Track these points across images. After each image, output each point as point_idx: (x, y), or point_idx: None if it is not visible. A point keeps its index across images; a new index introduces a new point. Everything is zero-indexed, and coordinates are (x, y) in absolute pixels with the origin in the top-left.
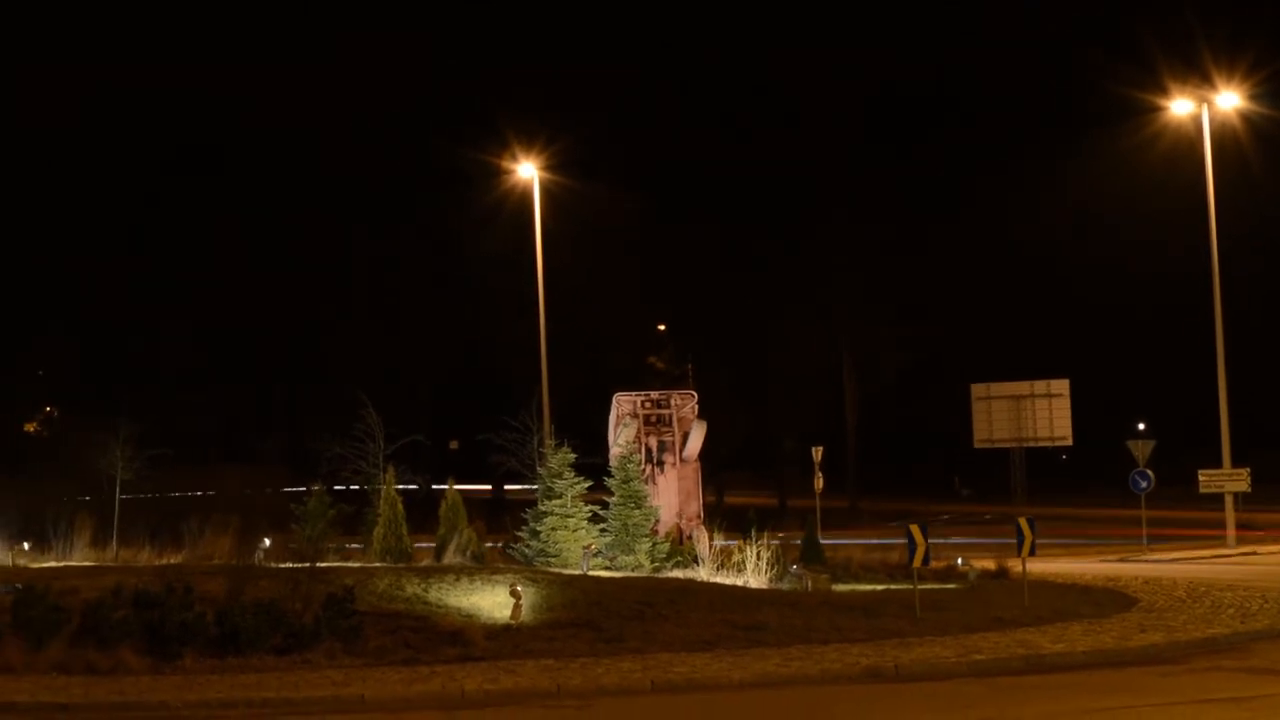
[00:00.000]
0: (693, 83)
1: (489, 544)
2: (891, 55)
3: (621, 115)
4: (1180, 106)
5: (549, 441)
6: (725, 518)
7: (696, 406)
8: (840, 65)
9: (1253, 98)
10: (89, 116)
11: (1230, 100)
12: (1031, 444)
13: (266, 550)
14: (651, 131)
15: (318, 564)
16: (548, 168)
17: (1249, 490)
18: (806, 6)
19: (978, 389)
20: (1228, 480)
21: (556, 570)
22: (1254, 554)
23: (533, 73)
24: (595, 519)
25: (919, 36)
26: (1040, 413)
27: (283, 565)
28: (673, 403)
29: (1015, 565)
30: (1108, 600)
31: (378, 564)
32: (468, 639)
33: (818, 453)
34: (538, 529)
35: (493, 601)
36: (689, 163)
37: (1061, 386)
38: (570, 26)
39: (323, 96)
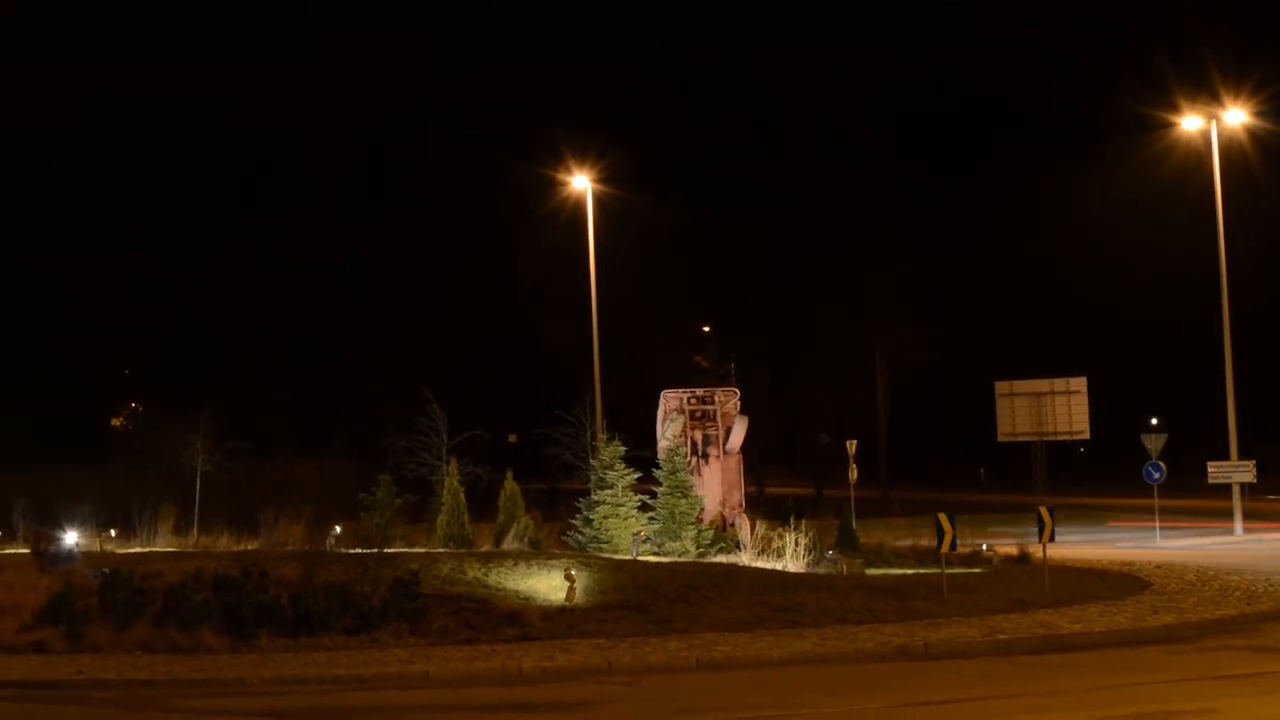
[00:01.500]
0: (737, 101)
1: (545, 531)
2: (924, 77)
3: (669, 129)
4: (1190, 123)
5: (601, 436)
6: (765, 506)
7: (739, 403)
8: (877, 84)
9: (1258, 115)
10: (159, 121)
11: (1237, 117)
12: (1051, 438)
13: (337, 537)
14: (696, 144)
15: (385, 550)
16: (600, 179)
17: (1255, 481)
18: (845, 29)
19: (1001, 386)
20: (1235, 471)
21: (608, 555)
22: (1259, 541)
23: (586, 90)
24: (644, 507)
25: (950, 59)
26: (1060, 409)
27: (352, 551)
28: (717, 399)
29: (1036, 551)
30: (1123, 583)
31: (441, 550)
32: (525, 620)
33: (852, 446)
34: (590, 517)
35: (548, 585)
36: (732, 174)
37: (1080, 384)
38: (622, 44)
39: (398, 106)
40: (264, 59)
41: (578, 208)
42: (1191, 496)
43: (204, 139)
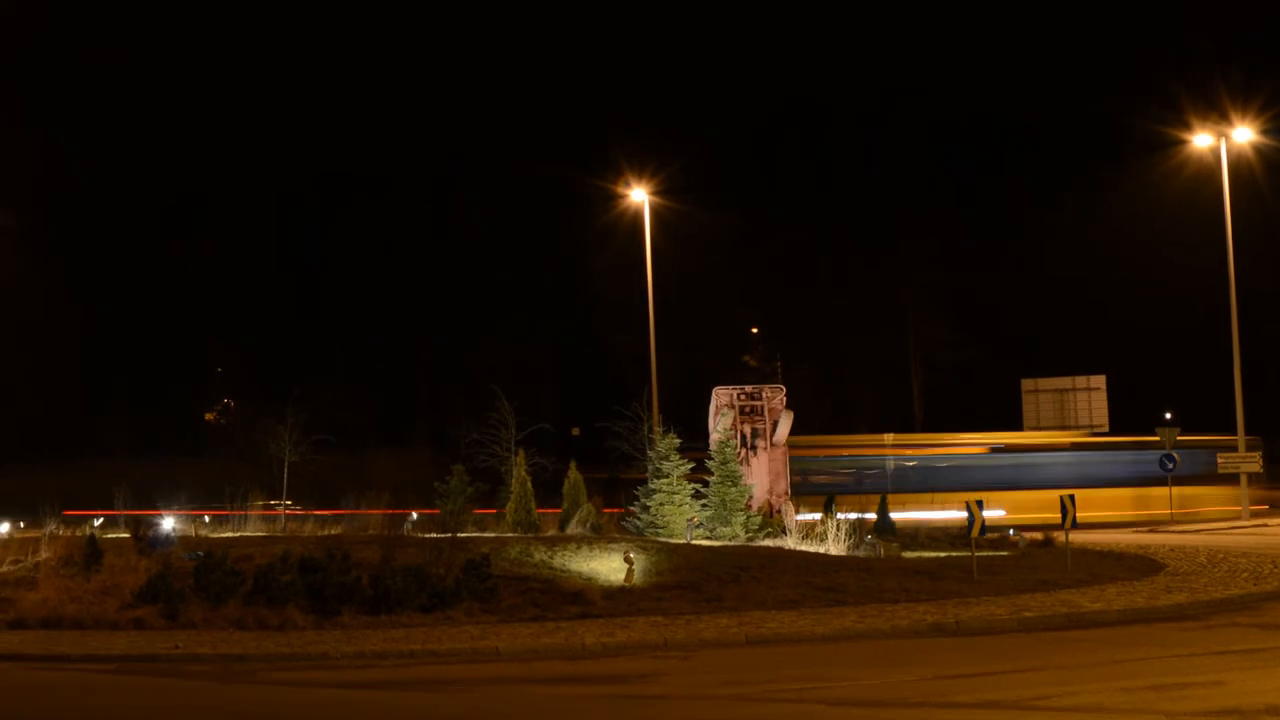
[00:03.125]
0: (784, 117)
1: (605, 517)
2: (955, 98)
3: (720, 144)
4: (1201, 140)
5: (657, 429)
6: (809, 494)
7: (785, 398)
8: (914, 105)
9: (1265, 133)
10: (237, 136)
11: (1245, 135)
12: (1073, 430)
13: (414, 523)
14: (745, 158)
15: (458, 534)
16: (656, 192)
17: (1261, 471)
18: (887, 56)
19: (1027, 383)
20: (1243, 462)
21: (664, 540)
22: (1265, 526)
23: (644, 107)
24: (697, 495)
25: (980, 83)
26: (1081, 404)
27: (428, 535)
28: (764, 395)
29: (1059, 535)
30: (1139, 565)
31: (510, 534)
32: (587, 599)
33: (888, 438)
34: (648, 504)
35: (609, 566)
36: (778, 185)
37: (1099, 381)
38: (675, 67)
39: (467, 123)
40: (344, 79)
41: (636, 218)
42: (1202, 485)
43: (292, 148)
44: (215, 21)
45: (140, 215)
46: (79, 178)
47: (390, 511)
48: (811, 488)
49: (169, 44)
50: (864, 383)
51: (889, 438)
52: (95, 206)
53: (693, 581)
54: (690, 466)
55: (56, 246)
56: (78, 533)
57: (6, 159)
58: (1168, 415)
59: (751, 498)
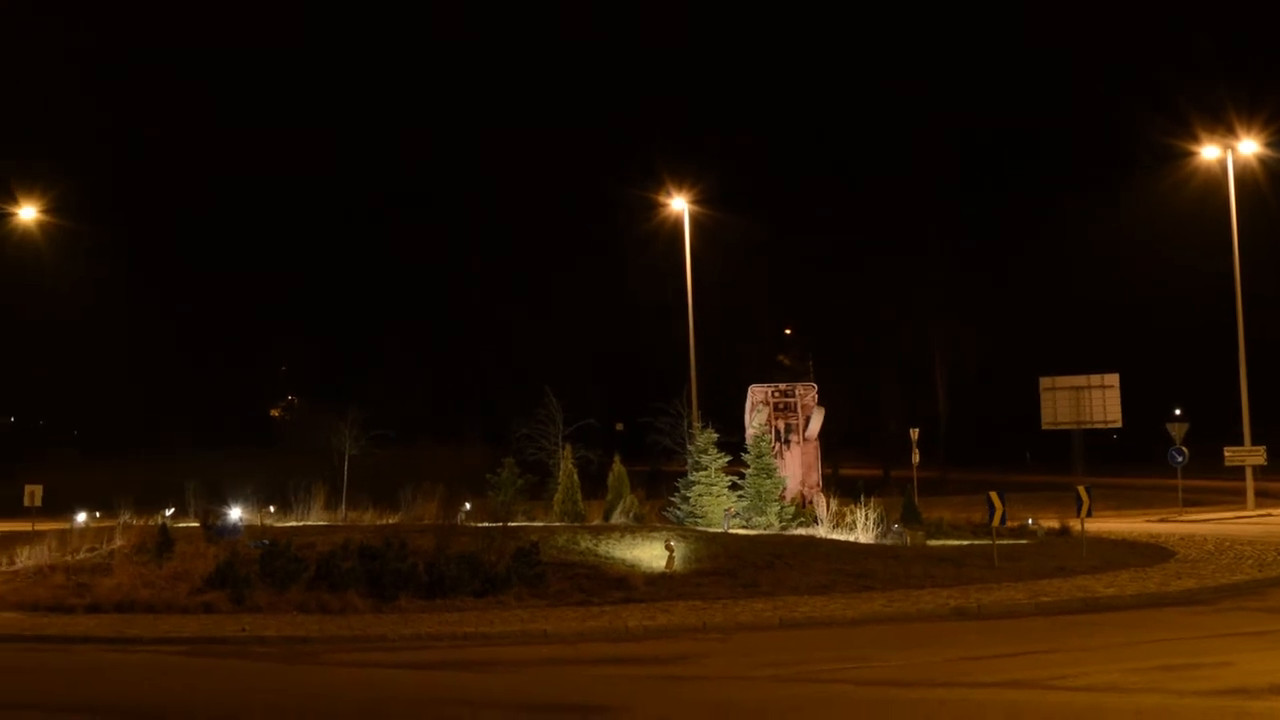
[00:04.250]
0: (814, 132)
1: (647, 508)
2: (974, 110)
3: (755, 156)
4: (1209, 152)
5: (696, 424)
6: (839, 486)
7: (816, 395)
8: (935, 116)
9: (1269, 145)
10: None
11: (1250, 147)
12: (1088, 426)
13: (467, 512)
14: (778, 169)
15: (509, 523)
16: (695, 201)
17: (1265, 464)
18: (903, 71)
19: (1044, 381)
20: (1248, 456)
21: (702, 529)
22: (1269, 515)
23: (683, 122)
24: (734, 487)
25: (1000, 97)
26: (1095, 401)
27: (480, 525)
28: (797, 392)
29: (1075, 524)
30: (1150, 553)
31: (557, 523)
32: (630, 584)
33: (914, 433)
34: (687, 495)
35: (650, 554)
36: (809, 195)
37: (1113, 380)
38: (711, 85)
39: (515, 139)
40: (404, 92)
41: (676, 226)
42: (1212, 478)
43: (357, 159)
44: (271, 37)
45: (209, 223)
46: (150, 187)
47: (445, 502)
48: None
49: (228, 57)
50: (891, 381)
51: None
52: (166, 214)
53: (730, 568)
54: (727, 460)
55: (133, 255)
56: (150, 522)
57: (82, 168)
58: (1177, 411)
59: (785, 489)
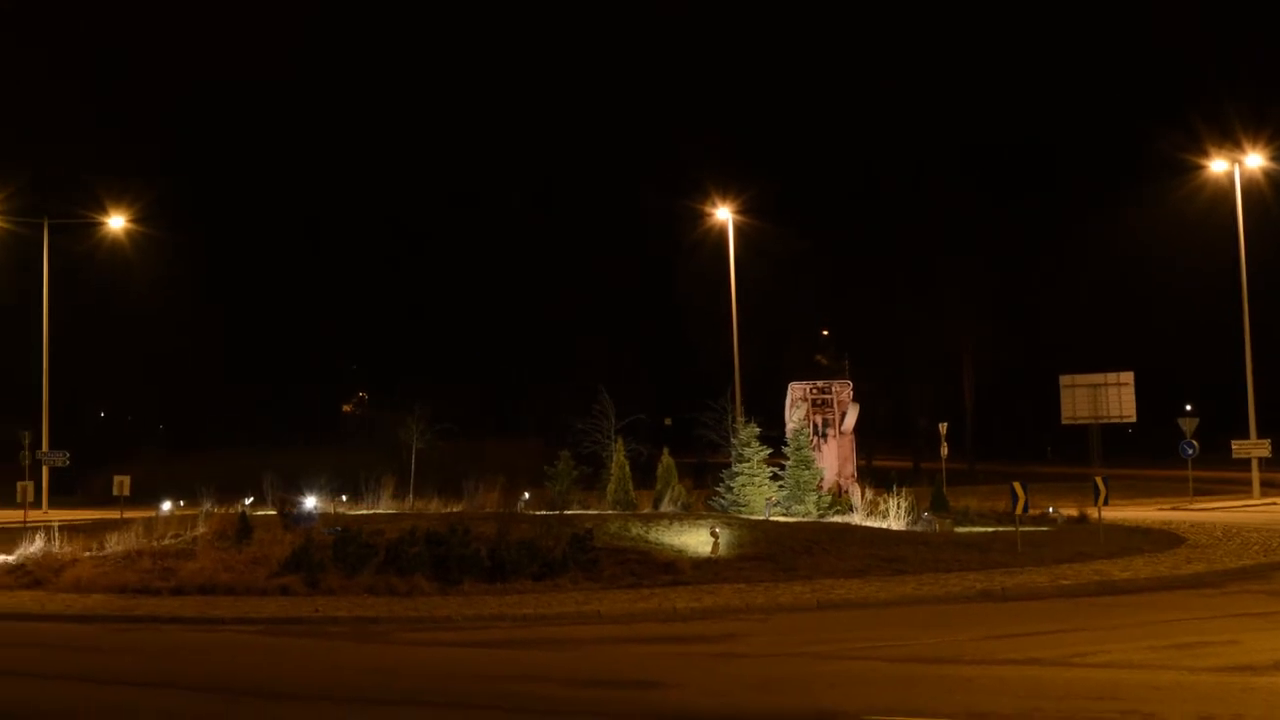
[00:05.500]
0: (845, 143)
1: (694, 497)
2: (1000, 126)
3: (792, 167)
4: (1217, 165)
5: (740, 419)
6: (873, 476)
7: (851, 392)
8: (962, 133)
9: (1274, 159)
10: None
11: (1256, 161)
12: (1105, 421)
13: (526, 502)
14: (811, 178)
15: (565, 511)
16: (738, 211)
17: (1270, 456)
18: (932, 87)
19: (1064, 379)
20: (1254, 449)
21: (745, 516)
22: (1273, 504)
23: (731, 139)
24: (774, 477)
25: (1021, 113)
26: (1112, 397)
27: (538, 513)
28: (834, 389)
29: (1093, 512)
30: (1163, 539)
31: (610, 511)
32: (678, 568)
33: (943, 427)
34: (731, 485)
35: (697, 540)
36: (843, 202)
37: (1128, 377)
38: (749, 102)
39: (572, 150)
40: (459, 106)
41: (721, 234)
42: (1220, 469)
43: (419, 169)
44: (331, 53)
45: (284, 229)
46: (229, 197)
47: (505, 492)
48: None
49: (287, 56)
50: (921, 379)
51: None
52: (246, 222)
53: (771, 553)
54: (769, 452)
55: (217, 262)
56: (231, 510)
57: (163, 182)
58: (1188, 407)
59: (822, 479)
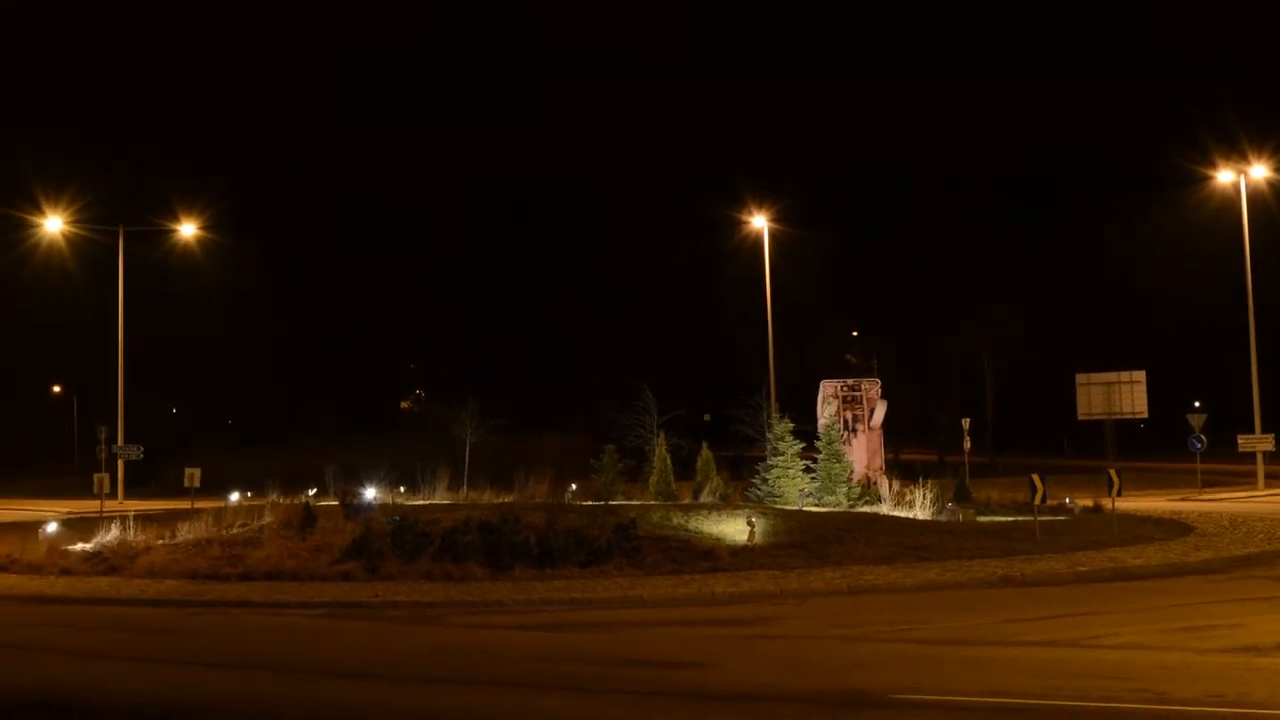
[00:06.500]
0: (876, 155)
1: (731, 488)
2: (1020, 142)
3: (825, 178)
4: (1224, 176)
5: (774, 415)
6: (900, 469)
7: (880, 389)
8: (984, 147)
9: (1278, 170)
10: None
11: (1261, 172)
12: (1118, 417)
13: (573, 492)
14: (842, 187)
15: (609, 502)
16: (774, 219)
17: (1274, 449)
18: (956, 105)
19: (1080, 377)
20: (1259, 443)
21: (779, 507)
22: (1278, 495)
23: (764, 147)
24: (807, 470)
25: (1041, 128)
26: (1125, 394)
27: (584, 503)
28: (863, 387)
29: (1107, 503)
30: (1173, 528)
31: (652, 502)
32: (716, 555)
33: (966, 422)
34: (766, 477)
35: (734, 529)
36: (871, 210)
37: (1140, 376)
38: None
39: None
40: (516, 122)
41: (757, 240)
42: (1226, 462)
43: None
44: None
45: (347, 235)
46: (288, 200)
47: (554, 484)
48: None
49: (352, 57)
50: (946, 377)
51: None
52: (305, 226)
53: (804, 541)
54: (802, 446)
55: (286, 267)
56: (295, 501)
57: (230, 186)
58: (1196, 403)
59: (852, 472)
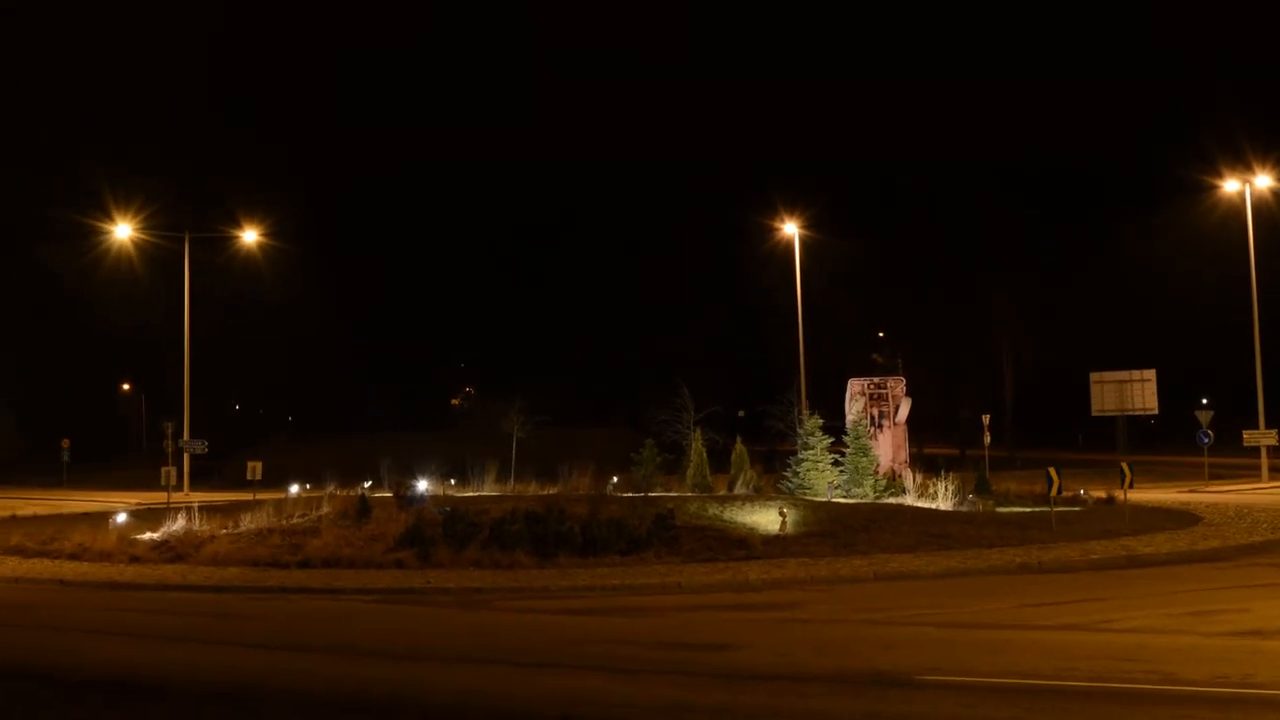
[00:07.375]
0: (902, 168)
1: (764, 481)
2: (1034, 151)
3: (853, 186)
4: (1230, 185)
5: (805, 411)
6: (923, 463)
7: (904, 387)
8: (1001, 157)
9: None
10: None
11: (1265, 181)
12: (1130, 413)
13: (614, 485)
14: (870, 195)
15: (649, 494)
16: (804, 226)
17: (1277, 444)
18: (976, 117)
19: (1094, 376)
20: (1263, 438)
21: (809, 498)
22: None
23: (797, 163)
24: (836, 463)
25: (1054, 138)
26: (1136, 392)
27: (625, 495)
28: (888, 385)
29: (1119, 494)
30: (1182, 518)
31: (689, 494)
32: (750, 544)
33: (986, 418)
34: (797, 470)
35: (767, 519)
36: (897, 217)
37: (1150, 375)
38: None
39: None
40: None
41: (789, 246)
42: (1232, 456)
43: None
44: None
45: (400, 239)
46: (353, 209)
47: (596, 476)
48: None
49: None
50: (967, 375)
51: None
52: (368, 232)
53: (832, 531)
54: (830, 441)
55: (341, 269)
56: (351, 493)
57: (291, 196)
58: (1204, 401)
59: (878, 465)
